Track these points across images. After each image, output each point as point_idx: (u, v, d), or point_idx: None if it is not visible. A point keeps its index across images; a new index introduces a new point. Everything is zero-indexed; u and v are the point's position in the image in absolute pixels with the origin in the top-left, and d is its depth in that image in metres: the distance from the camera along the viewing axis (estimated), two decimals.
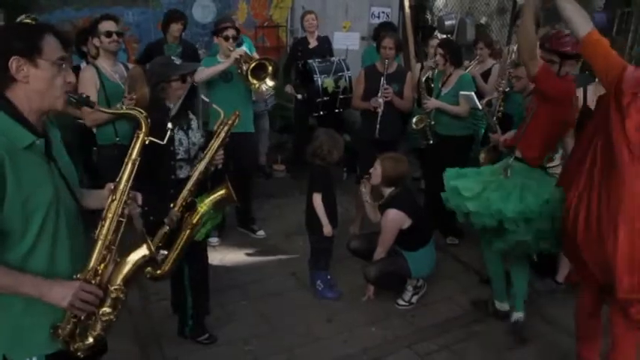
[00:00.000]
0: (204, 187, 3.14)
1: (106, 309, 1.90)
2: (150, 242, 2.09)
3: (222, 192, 3.04)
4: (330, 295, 4.04)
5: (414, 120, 4.74)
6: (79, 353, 1.90)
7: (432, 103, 4.65)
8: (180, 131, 3.13)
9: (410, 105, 5.00)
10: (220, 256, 4.60)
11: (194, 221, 3.00)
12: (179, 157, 3.13)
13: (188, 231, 2.99)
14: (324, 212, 3.95)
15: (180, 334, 3.48)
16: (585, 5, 8.47)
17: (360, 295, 4.02)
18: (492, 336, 3.66)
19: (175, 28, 5.24)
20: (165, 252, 2.99)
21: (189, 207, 3.01)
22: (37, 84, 1.72)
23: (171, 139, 3.08)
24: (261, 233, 5.03)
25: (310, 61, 5.66)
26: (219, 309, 3.75)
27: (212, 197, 3.04)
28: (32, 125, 1.75)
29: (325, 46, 6.11)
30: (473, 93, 4.47)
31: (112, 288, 1.91)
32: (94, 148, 4.15)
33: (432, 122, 4.74)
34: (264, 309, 3.87)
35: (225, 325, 3.65)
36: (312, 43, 6.04)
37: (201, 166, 3.00)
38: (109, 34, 3.84)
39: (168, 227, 2.94)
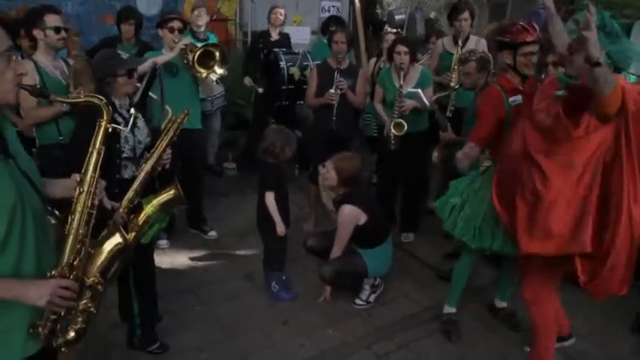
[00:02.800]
0: (151, 187, 2.97)
1: (85, 302, 1.92)
2: (123, 230, 2.15)
3: (170, 193, 2.89)
4: (286, 296, 3.94)
5: (393, 125, 4.39)
6: (62, 349, 1.88)
7: (409, 103, 4.38)
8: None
9: (363, 100, 4.93)
10: (170, 259, 4.41)
11: (140, 223, 2.83)
12: (124, 155, 2.96)
13: (133, 233, 2.82)
14: (277, 211, 3.84)
15: (129, 344, 3.30)
16: (529, 3, 8.76)
17: (317, 295, 3.93)
18: (460, 334, 3.61)
19: (125, 28, 4.92)
20: None
21: (135, 208, 2.84)
22: None
23: (117, 136, 2.91)
24: (212, 234, 4.85)
25: (276, 50, 5.55)
26: (171, 315, 3.58)
27: (160, 198, 2.87)
28: None
29: (286, 42, 6.04)
30: (419, 90, 4.40)
31: (89, 280, 1.94)
32: (33, 150, 3.89)
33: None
34: (218, 314, 3.73)
35: (178, 332, 3.48)
36: (274, 36, 5.95)
37: (147, 166, 2.83)
38: (57, 29, 3.53)
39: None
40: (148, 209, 2.85)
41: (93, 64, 3.06)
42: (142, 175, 2.82)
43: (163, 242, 4.54)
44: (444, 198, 3.59)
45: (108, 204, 2.20)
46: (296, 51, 5.73)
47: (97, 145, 1.96)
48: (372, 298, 3.93)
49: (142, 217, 2.83)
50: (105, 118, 1.98)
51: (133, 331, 3.27)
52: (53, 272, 1.79)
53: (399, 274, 4.24)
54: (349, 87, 4.68)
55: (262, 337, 3.52)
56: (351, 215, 3.76)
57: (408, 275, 4.35)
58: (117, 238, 2.09)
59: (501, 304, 3.80)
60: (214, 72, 4.32)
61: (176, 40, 4.24)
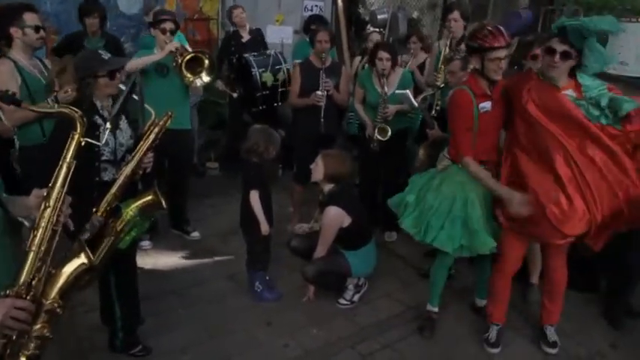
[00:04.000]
0: (132, 191, 2.93)
1: (41, 326, 1.78)
2: (88, 250, 1.98)
3: (149, 198, 2.84)
4: (270, 296, 3.93)
5: (377, 131, 4.45)
6: None
7: (393, 108, 4.43)
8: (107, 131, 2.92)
9: (347, 98, 4.93)
10: (153, 260, 4.37)
11: (119, 228, 2.78)
12: (104, 158, 2.91)
13: (112, 238, 2.77)
14: (262, 210, 3.83)
15: (110, 347, 3.27)
16: (510, 3, 8.82)
17: (301, 295, 3.93)
18: (433, 332, 3.64)
19: (89, 22, 4.79)
20: None
21: (114, 212, 2.80)
22: None
23: (97, 138, 2.87)
24: (195, 235, 4.82)
25: (246, 55, 5.50)
26: (154, 317, 3.55)
27: (139, 203, 2.82)
28: None
29: (258, 39, 5.98)
30: (408, 91, 4.42)
31: (47, 302, 1.81)
32: (12, 150, 3.81)
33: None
34: (201, 315, 3.70)
35: (161, 334, 3.45)
36: (245, 37, 5.88)
37: (127, 170, 2.79)
38: (37, 28, 3.47)
39: (89, 234, 2.67)
40: (127, 214, 2.80)
41: (74, 63, 3.00)
42: (121, 179, 2.78)
43: (146, 243, 4.50)
44: (402, 195, 3.62)
45: (70, 224, 2.03)
46: (267, 52, 5.65)
47: (68, 159, 1.85)
48: (356, 298, 3.94)
49: (120, 223, 2.78)
50: (78, 131, 1.87)
51: (115, 334, 3.23)
52: (8, 291, 1.66)
53: (382, 274, 4.24)
54: (334, 86, 4.68)
55: (246, 338, 3.51)
56: (336, 217, 3.75)
57: (392, 274, 4.36)
58: (81, 259, 1.97)
59: (482, 302, 3.82)
60: (201, 78, 4.35)
61: (167, 42, 4.23)
